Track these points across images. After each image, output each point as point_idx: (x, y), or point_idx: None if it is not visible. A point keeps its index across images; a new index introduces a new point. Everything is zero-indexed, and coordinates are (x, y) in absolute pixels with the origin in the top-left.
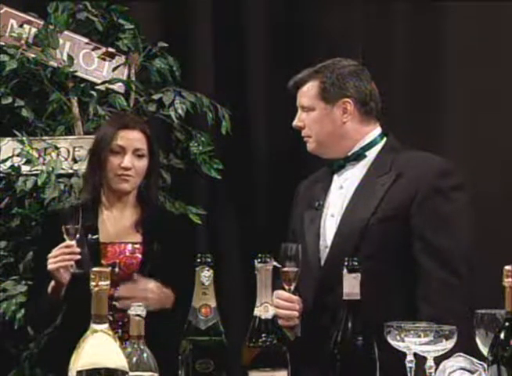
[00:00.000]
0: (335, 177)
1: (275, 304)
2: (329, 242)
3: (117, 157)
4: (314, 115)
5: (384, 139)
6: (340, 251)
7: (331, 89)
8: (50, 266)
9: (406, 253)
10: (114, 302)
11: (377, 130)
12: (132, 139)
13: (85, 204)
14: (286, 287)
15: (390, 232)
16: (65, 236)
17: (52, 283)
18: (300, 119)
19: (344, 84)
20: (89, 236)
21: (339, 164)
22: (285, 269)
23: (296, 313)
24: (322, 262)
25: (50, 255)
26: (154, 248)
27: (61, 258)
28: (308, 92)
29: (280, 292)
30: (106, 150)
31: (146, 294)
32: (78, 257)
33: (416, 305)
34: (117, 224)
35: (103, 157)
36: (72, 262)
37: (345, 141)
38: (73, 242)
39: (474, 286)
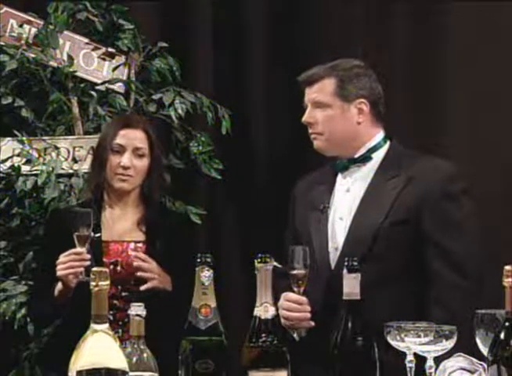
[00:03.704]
0: (339, 179)
1: (286, 307)
2: (339, 244)
3: (117, 156)
4: (329, 113)
5: (388, 142)
6: (351, 254)
7: (349, 87)
8: (60, 273)
9: (417, 256)
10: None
11: (382, 133)
12: (133, 137)
13: (87, 204)
14: (296, 290)
15: (401, 235)
16: (76, 244)
17: (59, 286)
18: (311, 115)
19: (361, 84)
20: (92, 234)
21: (343, 165)
22: (294, 271)
23: (308, 315)
24: (333, 265)
25: (59, 261)
26: (156, 247)
27: (70, 264)
28: (324, 89)
29: (290, 294)
30: (106, 150)
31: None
32: (88, 263)
33: (427, 308)
34: (120, 223)
35: (104, 156)
36: (82, 269)
37: (355, 142)
38: (84, 249)
39: (482, 288)
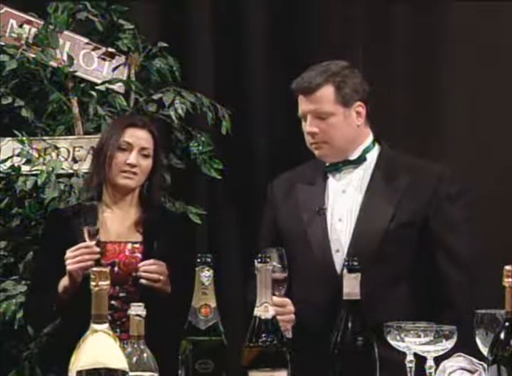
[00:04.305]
0: (331, 181)
1: None
2: (343, 247)
3: (124, 154)
4: (334, 121)
5: (376, 143)
6: (359, 258)
7: (348, 92)
8: (70, 267)
9: (424, 257)
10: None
11: (371, 133)
12: (140, 137)
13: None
14: (277, 293)
15: (407, 237)
16: (86, 238)
17: (65, 282)
18: (315, 124)
19: (355, 87)
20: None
21: (336, 167)
22: (273, 275)
23: (293, 316)
24: (338, 268)
25: (68, 256)
26: (154, 248)
27: (81, 258)
28: (325, 98)
29: (274, 298)
30: (113, 147)
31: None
32: (98, 256)
33: (436, 308)
34: (118, 223)
35: (110, 154)
36: (92, 263)
37: (353, 144)
38: (93, 242)
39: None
